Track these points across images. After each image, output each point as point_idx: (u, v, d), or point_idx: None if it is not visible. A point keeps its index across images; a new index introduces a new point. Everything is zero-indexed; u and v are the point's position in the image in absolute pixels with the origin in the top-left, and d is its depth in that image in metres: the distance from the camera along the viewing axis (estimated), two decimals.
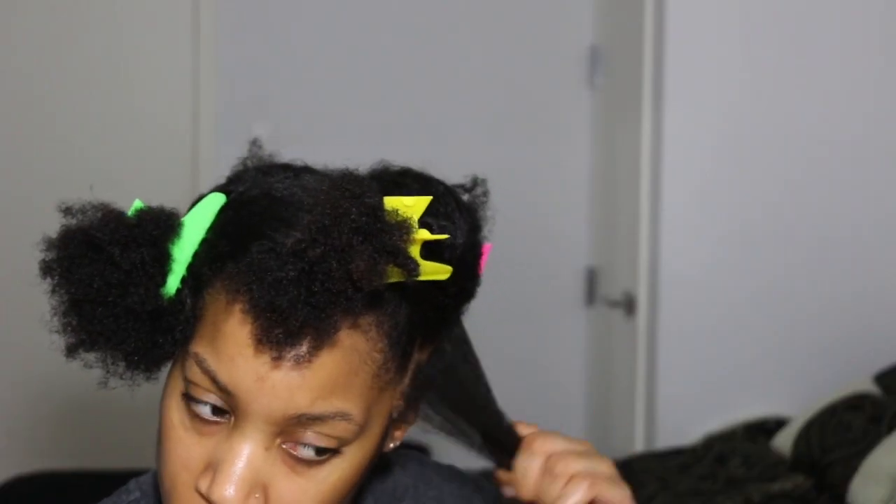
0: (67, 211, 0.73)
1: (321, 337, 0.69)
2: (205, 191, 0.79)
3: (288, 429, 0.71)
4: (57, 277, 0.71)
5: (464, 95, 3.28)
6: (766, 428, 2.73)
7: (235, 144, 3.68)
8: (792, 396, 2.80)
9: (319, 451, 0.72)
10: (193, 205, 0.76)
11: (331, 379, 0.70)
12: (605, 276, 3.21)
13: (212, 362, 0.71)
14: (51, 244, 0.72)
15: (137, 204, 0.74)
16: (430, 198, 0.72)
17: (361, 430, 0.73)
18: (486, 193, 0.86)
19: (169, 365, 0.76)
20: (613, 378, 3.12)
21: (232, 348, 0.70)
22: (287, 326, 0.67)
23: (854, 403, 2.47)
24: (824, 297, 2.82)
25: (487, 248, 0.84)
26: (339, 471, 0.74)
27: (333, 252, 0.66)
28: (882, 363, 2.67)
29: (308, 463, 0.72)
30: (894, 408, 2.40)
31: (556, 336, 3.26)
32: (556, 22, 3.27)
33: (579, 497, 0.85)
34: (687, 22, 2.75)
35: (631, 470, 2.53)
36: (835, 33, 2.80)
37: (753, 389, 2.83)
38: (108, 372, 0.74)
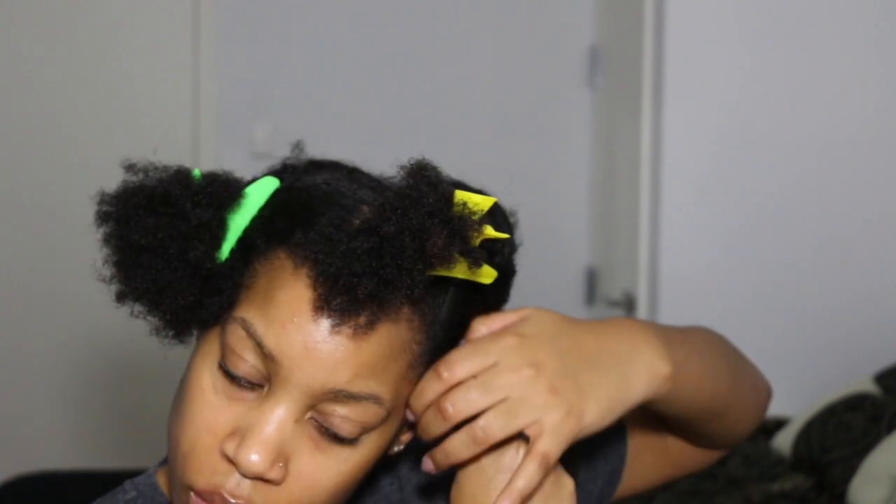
0: (130, 168, 0.76)
1: (382, 311, 0.70)
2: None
3: (321, 405, 0.72)
4: (117, 224, 0.73)
5: (464, 95, 3.28)
6: (766, 428, 2.72)
7: (235, 144, 3.70)
8: (792, 396, 2.80)
9: (340, 439, 0.73)
10: (248, 184, 0.77)
11: (373, 360, 0.72)
12: (605, 276, 3.21)
13: (259, 327, 0.72)
14: (111, 197, 0.74)
15: (198, 172, 0.75)
16: (496, 199, 0.74)
17: (387, 416, 0.74)
18: (515, 223, 0.88)
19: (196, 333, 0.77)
20: None
21: (285, 314, 0.71)
22: (353, 295, 0.68)
23: (854, 403, 2.47)
24: (824, 297, 2.82)
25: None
26: (358, 454, 0.74)
27: (408, 230, 0.68)
28: (882, 363, 2.67)
29: (334, 439, 0.73)
30: (894, 408, 2.40)
31: None
32: (556, 22, 3.27)
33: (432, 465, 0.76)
34: (687, 22, 2.75)
35: None
36: (834, 33, 2.79)
37: None
38: (153, 328, 0.74)
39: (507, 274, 0.82)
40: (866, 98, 2.81)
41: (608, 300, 3.11)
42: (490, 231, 0.72)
